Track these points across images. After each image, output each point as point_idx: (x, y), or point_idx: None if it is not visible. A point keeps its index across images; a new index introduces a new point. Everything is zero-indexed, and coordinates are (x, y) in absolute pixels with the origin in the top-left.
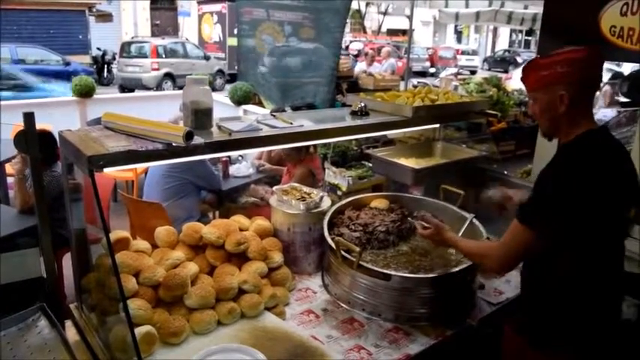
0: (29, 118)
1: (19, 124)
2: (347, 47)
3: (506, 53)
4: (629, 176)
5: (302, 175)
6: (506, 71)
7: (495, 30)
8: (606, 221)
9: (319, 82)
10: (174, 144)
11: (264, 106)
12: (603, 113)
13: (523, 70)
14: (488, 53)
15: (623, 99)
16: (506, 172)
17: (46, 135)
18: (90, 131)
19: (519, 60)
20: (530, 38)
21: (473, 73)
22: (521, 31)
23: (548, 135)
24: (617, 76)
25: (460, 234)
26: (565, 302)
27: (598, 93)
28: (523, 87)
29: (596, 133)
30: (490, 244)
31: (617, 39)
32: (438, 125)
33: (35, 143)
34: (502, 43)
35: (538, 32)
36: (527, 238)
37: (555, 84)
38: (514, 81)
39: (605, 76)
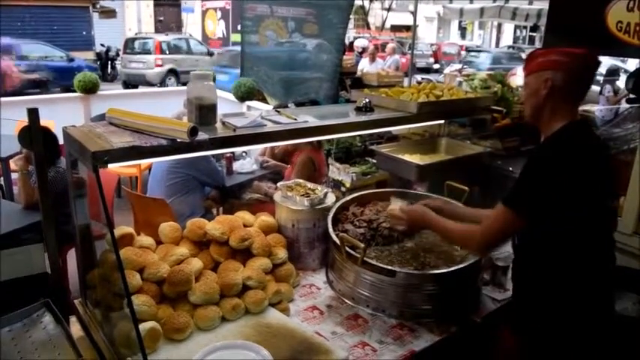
0: (33, 114)
1: (23, 120)
2: (351, 44)
3: (511, 49)
4: (609, 168)
5: (302, 163)
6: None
7: (499, 26)
8: (589, 209)
9: (322, 78)
10: (178, 140)
11: (267, 103)
12: (599, 110)
13: (525, 60)
14: (493, 49)
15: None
16: (511, 169)
17: (46, 132)
18: (94, 127)
19: (523, 56)
20: (534, 34)
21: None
22: (525, 28)
23: (531, 122)
24: (613, 71)
25: None
26: (547, 291)
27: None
28: None
29: (579, 125)
30: (473, 228)
31: (623, 34)
32: (442, 121)
33: (39, 139)
34: (506, 39)
35: (543, 28)
36: (511, 222)
37: (544, 69)
38: (518, 77)
39: (603, 70)
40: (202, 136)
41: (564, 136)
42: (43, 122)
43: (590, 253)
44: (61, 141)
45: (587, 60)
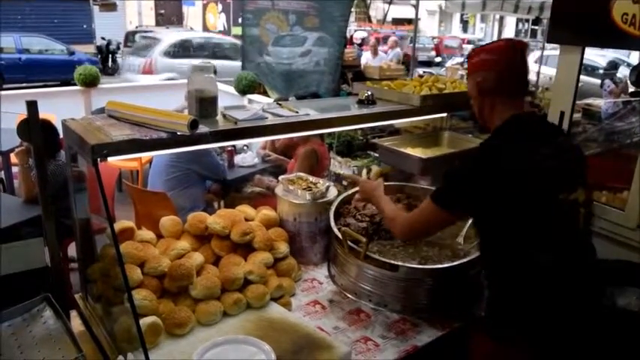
0: (32, 107)
1: (23, 113)
2: (351, 37)
3: None
4: (561, 159)
5: (305, 154)
6: None
7: (502, 19)
8: (534, 206)
9: (324, 71)
10: (178, 133)
11: (268, 96)
12: (604, 103)
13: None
14: None
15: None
16: None
17: (47, 125)
18: (93, 120)
19: None
20: (536, 27)
21: None
22: (527, 21)
23: (479, 122)
24: (614, 65)
25: (467, 226)
26: (513, 292)
27: (598, 81)
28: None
29: (519, 118)
30: (401, 213)
31: (629, 27)
32: (445, 115)
33: (38, 132)
34: (508, 33)
35: (545, 21)
36: (435, 217)
37: (477, 70)
38: None
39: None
40: (203, 129)
41: (501, 133)
42: (43, 116)
43: (551, 249)
44: (61, 134)
45: (513, 51)
